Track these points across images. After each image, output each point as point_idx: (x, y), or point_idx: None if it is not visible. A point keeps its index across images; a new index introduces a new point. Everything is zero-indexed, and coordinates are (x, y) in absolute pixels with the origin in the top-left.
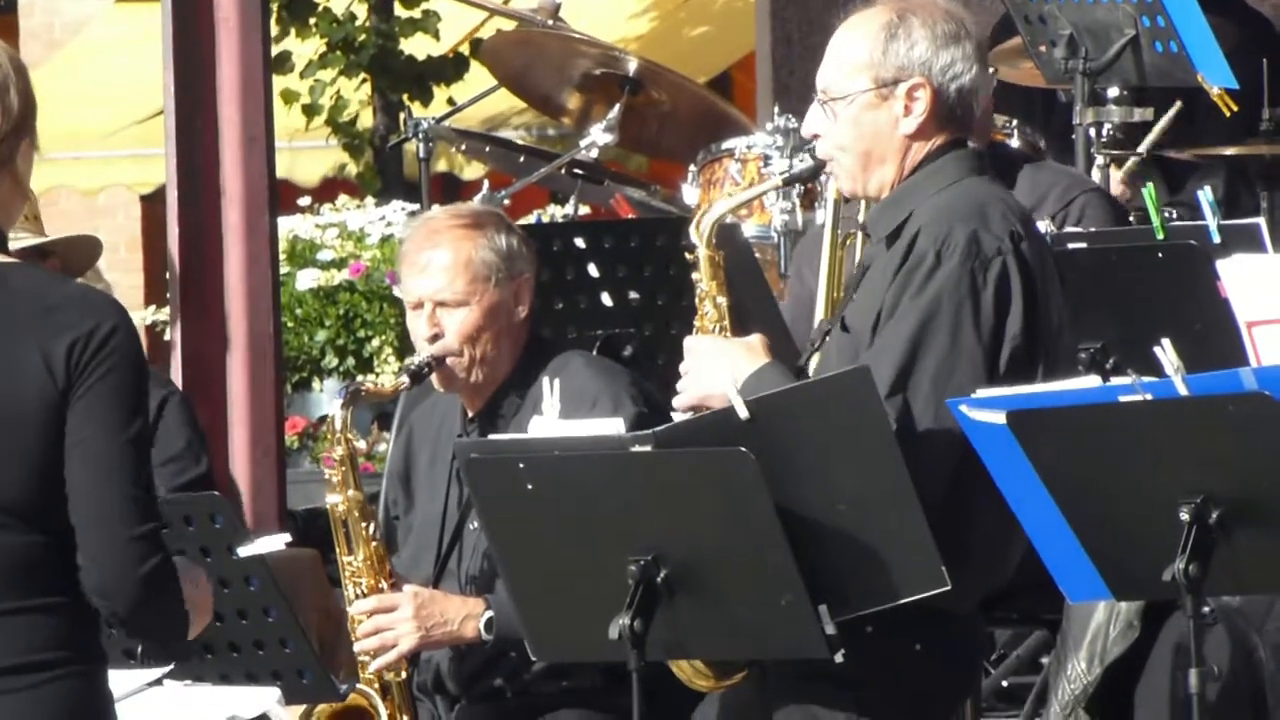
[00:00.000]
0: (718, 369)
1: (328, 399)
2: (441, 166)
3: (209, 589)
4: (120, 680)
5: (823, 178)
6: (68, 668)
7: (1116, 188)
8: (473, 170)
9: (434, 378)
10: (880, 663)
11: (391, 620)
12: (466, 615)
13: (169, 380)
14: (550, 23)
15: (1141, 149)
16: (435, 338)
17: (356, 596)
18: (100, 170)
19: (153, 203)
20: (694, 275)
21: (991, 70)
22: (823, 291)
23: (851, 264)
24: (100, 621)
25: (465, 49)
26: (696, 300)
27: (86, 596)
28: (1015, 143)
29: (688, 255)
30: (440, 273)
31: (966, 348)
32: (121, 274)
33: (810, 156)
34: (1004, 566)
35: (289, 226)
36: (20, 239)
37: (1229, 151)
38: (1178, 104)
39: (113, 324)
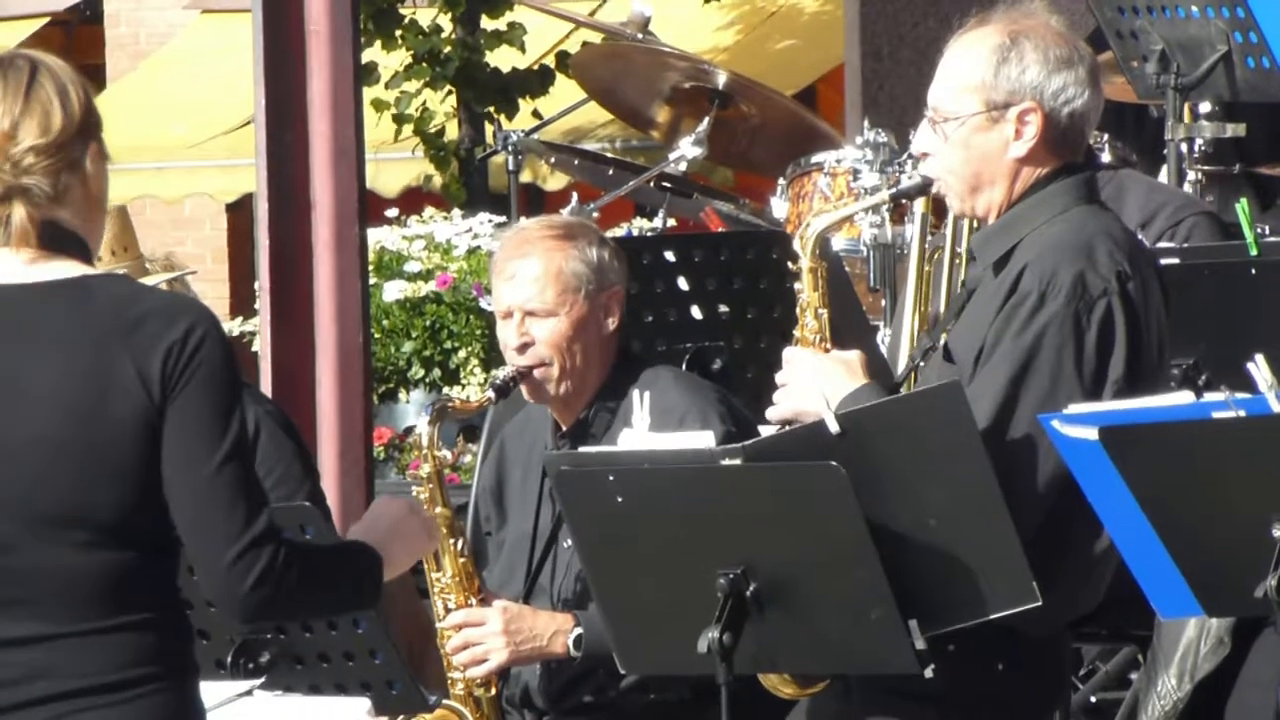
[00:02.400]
0: (814, 385)
1: (414, 410)
2: (525, 178)
3: (391, 519)
4: (211, 691)
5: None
6: (160, 683)
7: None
8: (555, 181)
9: (523, 388)
10: (966, 679)
11: (481, 635)
12: (556, 631)
13: (262, 396)
14: (640, 36)
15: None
16: (524, 347)
17: (446, 613)
18: (183, 179)
19: (236, 212)
20: (796, 286)
21: None
22: (909, 306)
23: (939, 280)
24: (192, 632)
25: (550, 61)
26: (797, 311)
27: (178, 608)
28: (1106, 158)
29: (790, 265)
30: (530, 283)
31: (1067, 389)
32: (208, 284)
33: (919, 173)
34: (1090, 597)
35: (376, 238)
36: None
37: None
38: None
39: (204, 329)
